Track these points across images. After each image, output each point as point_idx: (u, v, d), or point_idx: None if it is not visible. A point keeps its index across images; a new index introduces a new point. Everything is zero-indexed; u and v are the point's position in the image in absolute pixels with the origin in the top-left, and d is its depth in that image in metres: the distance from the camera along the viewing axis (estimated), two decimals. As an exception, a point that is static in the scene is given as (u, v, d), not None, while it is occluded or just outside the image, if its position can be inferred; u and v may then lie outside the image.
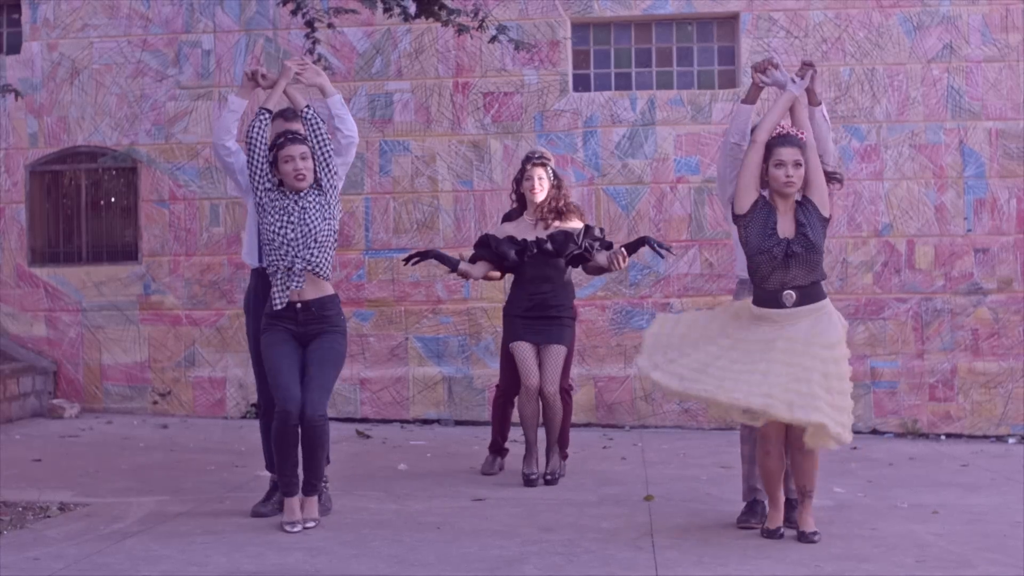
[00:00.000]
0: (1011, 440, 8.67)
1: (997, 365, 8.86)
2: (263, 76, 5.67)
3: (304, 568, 4.63)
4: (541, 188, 6.53)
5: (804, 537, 5.08)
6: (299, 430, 5.24)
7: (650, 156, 9.11)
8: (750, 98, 5.52)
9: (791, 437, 5.01)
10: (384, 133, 9.29)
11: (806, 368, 4.80)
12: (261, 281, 5.59)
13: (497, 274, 6.82)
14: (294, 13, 7.36)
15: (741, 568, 4.64)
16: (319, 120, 5.42)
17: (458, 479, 6.71)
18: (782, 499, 5.19)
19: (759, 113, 5.75)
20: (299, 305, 5.31)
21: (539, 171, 6.53)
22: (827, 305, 5.01)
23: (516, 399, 6.71)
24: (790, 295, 4.95)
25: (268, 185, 5.33)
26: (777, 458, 5.08)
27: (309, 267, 5.28)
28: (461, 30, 7.56)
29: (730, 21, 9.25)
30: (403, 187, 9.27)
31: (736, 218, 5.09)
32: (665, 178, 9.10)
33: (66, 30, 9.62)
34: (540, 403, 6.47)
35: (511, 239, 6.53)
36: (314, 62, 7.67)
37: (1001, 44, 8.94)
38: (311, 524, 5.31)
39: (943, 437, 8.80)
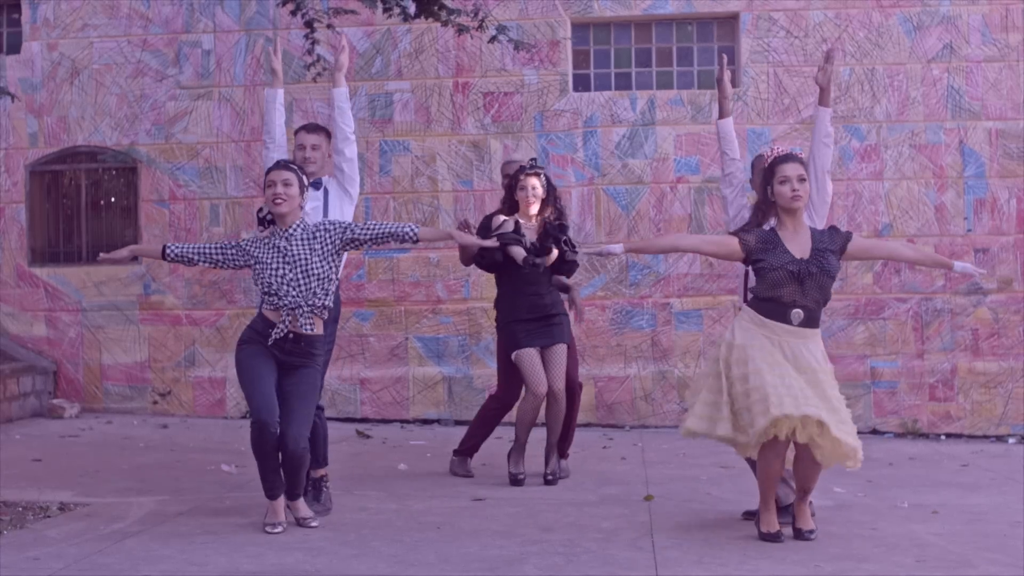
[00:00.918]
0: (1011, 440, 8.67)
1: (997, 365, 8.86)
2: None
3: (304, 568, 4.63)
4: (536, 198, 6.51)
5: (800, 535, 5.09)
6: (277, 446, 5.21)
7: (650, 156, 9.11)
8: (725, 112, 5.74)
9: (799, 447, 5.02)
10: (384, 133, 9.29)
11: (827, 398, 4.94)
12: None
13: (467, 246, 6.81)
14: (294, 13, 7.36)
15: (741, 568, 4.64)
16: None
17: (458, 479, 6.71)
18: (779, 499, 5.23)
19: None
20: (291, 336, 5.27)
21: (533, 181, 6.51)
22: (819, 333, 5.13)
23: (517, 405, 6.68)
24: (798, 314, 4.99)
25: (239, 251, 5.38)
26: (782, 463, 5.10)
27: (313, 310, 5.26)
28: (461, 30, 7.56)
29: (730, 21, 9.25)
30: (403, 187, 9.27)
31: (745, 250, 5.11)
32: (665, 178, 9.10)
33: (66, 30, 9.62)
34: (544, 405, 6.47)
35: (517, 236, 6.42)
36: (314, 62, 7.70)
37: (1001, 44, 8.94)
38: (314, 523, 5.32)
39: (943, 437, 8.80)
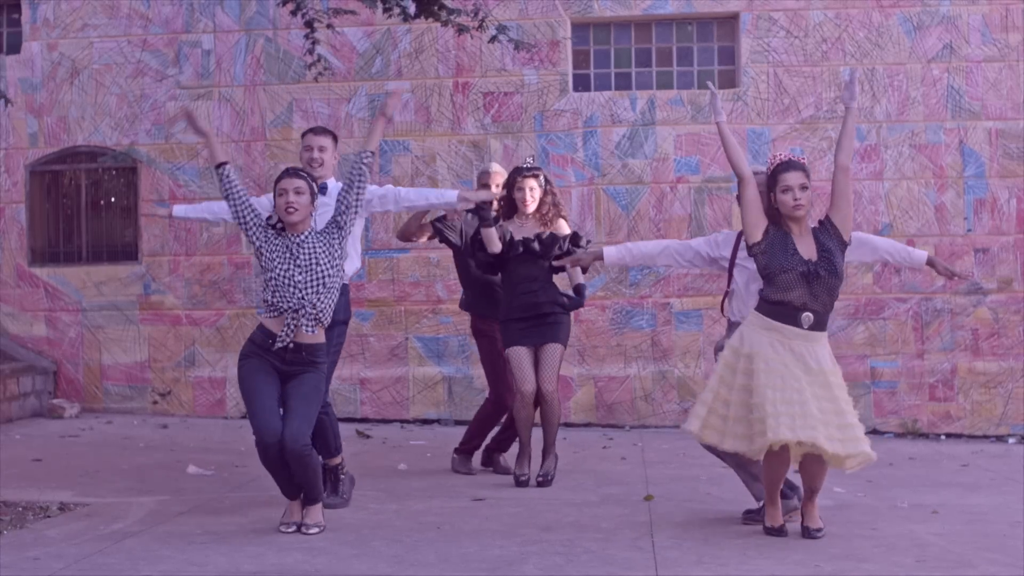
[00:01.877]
0: (1011, 440, 8.67)
1: (997, 365, 8.86)
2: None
3: (304, 568, 4.63)
4: (533, 199, 6.53)
5: (808, 533, 5.12)
6: (283, 459, 5.16)
7: (650, 156, 9.11)
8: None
9: (805, 453, 5.03)
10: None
11: (835, 399, 4.96)
12: None
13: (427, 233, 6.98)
14: (294, 13, 7.35)
15: (741, 568, 4.64)
16: (365, 169, 5.43)
17: (458, 479, 6.71)
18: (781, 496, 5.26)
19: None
20: (291, 345, 5.22)
21: (531, 182, 6.52)
22: (827, 336, 5.13)
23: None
24: (808, 317, 5.00)
25: (260, 227, 5.29)
26: (787, 468, 5.12)
27: (316, 315, 5.20)
28: (461, 30, 7.55)
29: (730, 21, 9.25)
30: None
31: (751, 248, 5.11)
32: (665, 178, 9.10)
33: (66, 30, 9.62)
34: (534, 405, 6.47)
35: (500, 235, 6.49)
36: (314, 62, 7.70)
37: (1001, 44, 8.94)
38: (314, 530, 5.24)
39: (943, 437, 8.80)
